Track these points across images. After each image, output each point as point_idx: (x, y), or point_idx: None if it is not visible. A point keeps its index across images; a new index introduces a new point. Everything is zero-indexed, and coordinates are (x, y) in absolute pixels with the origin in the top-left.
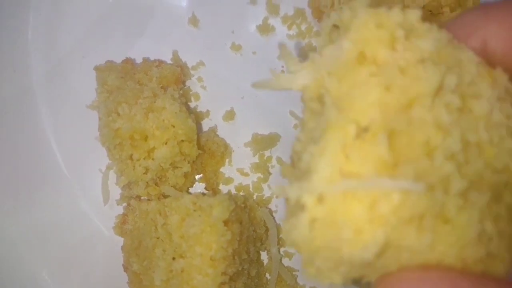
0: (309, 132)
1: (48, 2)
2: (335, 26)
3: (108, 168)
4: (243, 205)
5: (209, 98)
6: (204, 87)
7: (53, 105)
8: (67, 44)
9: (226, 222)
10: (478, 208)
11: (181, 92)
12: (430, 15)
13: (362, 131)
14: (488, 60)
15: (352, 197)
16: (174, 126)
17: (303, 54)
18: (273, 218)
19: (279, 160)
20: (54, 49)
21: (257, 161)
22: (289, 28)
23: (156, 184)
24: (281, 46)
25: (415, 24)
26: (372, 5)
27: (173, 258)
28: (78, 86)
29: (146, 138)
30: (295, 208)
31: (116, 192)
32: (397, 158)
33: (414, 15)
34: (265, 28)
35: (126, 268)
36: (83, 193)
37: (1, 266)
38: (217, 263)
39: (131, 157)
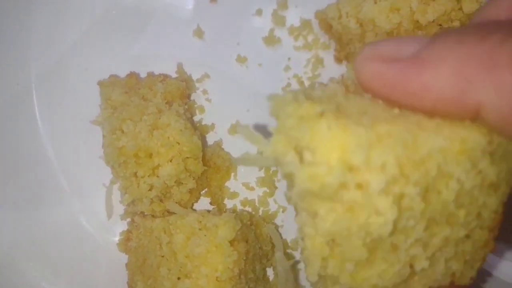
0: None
1: (50, 14)
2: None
3: (112, 182)
4: (249, 223)
5: (214, 111)
6: (209, 100)
7: (54, 119)
8: (70, 57)
9: (232, 242)
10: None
11: (186, 107)
12: (440, 29)
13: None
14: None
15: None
16: (179, 143)
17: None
18: (279, 234)
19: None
20: (56, 60)
21: (263, 175)
22: (296, 39)
23: (161, 201)
24: (238, 125)
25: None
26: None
27: (178, 278)
28: (80, 99)
29: (150, 156)
30: None
31: (119, 207)
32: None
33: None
34: (271, 40)
35: (130, 286)
36: (85, 208)
37: (1, 281)
38: (224, 284)
39: (135, 175)
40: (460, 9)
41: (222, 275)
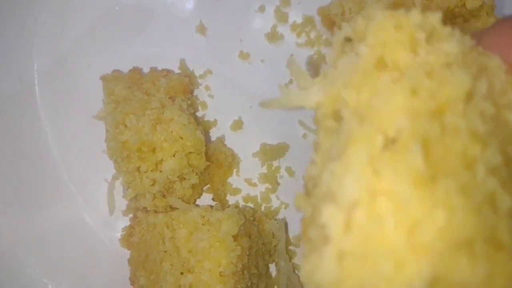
0: (326, 153)
1: (52, 11)
2: (348, 40)
3: (114, 178)
4: (251, 218)
5: (216, 107)
6: (211, 96)
7: (57, 114)
8: (72, 54)
9: (235, 237)
10: None
11: (189, 102)
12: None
13: (391, 142)
14: None
15: (387, 221)
16: (182, 138)
17: (313, 65)
18: (284, 229)
19: (288, 170)
20: (59, 57)
21: (265, 171)
22: (298, 36)
23: (163, 196)
24: (290, 59)
25: (436, 26)
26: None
27: (181, 273)
28: (83, 94)
29: (154, 150)
30: (317, 241)
31: (121, 202)
32: (434, 170)
33: (435, 17)
34: (273, 36)
35: (133, 281)
36: (86, 204)
37: (3, 277)
38: (227, 279)
39: (138, 169)
40: (464, 5)
41: (226, 270)
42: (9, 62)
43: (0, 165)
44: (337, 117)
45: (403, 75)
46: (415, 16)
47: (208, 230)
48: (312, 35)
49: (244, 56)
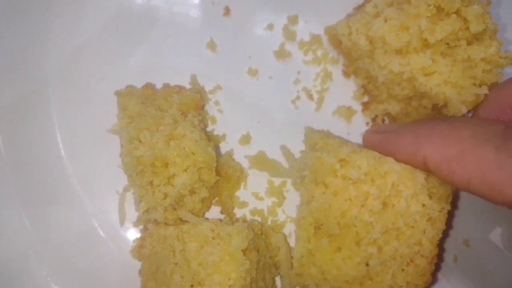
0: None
1: (66, 27)
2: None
3: (125, 190)
4: (259, 232)
5: (225, 122)
6: (221, 111)
7: (70, 126)
8: (85, 67)
9: (244, 251)
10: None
11: (200, 117)
12: (447, 47)
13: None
14: (429, 170)
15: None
16: (194, 154)
17: None
18: (287, 243)
19: (294, 184)
20: (72, 70)
21: (272, 185)
22: (305, 53)
23: (174, 209)
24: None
25: (345, 157)
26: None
27: (192, 286)
28: (95, 107)
29: (167, 165)
30: None
31: (131, 214)
32: (340, 245)
33: (344, 151)
34: (281, 54)
35: None
36: (97, 214)
37: (14, 282)
38: None
39: (151, 183)
40: (467, 29)
41: (235, 284)
42: (23, 74)
43: (15, 175)
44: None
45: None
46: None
47: (218, 244)
48: (319, 52)
49: (252, 72)
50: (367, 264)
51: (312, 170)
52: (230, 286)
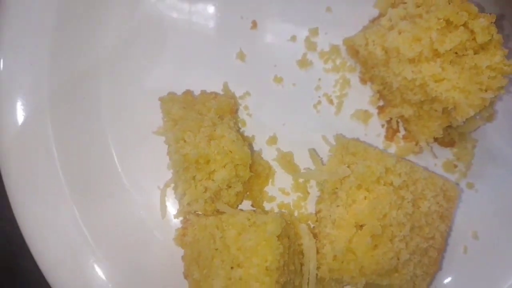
0: (327, 208)
1: (114, 41)
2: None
3: (166, 185)
4: (289, 222)
5: (254, 125)
6: (250, 115)
7: (119, 129)
8: (130, 75)
9: (278, 237)
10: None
11: (234, 121)
12: (456, 56)
13: (359, 228)
14: None
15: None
16: (232, 152)
17: None
18: (311, 233)
19: (317, 183)
20: (120, 81)
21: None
22: (325, 62)
23: (212, 202)
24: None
25: (391, 167)
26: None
27: (231, 268)
28: (138, 112)
29: (208, 162)
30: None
31: (171, 207)
32: (376, 243)
33: (391, 161)
34: (304, 63)
35: (186, 275)
36: (144, 207)
37: (65, 271)
38: (272, 273)
39: (194, 178)
40: (474, 39)
41: (271, 265)
42: (78, 88)
43: (72, 174)
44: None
45: (370, 196)
46: (379, 167)
47: (255, 231)
48: (338, 61)
49: (278, 80)
50: (398, 258)
51: (359, 176)
52: (266, 267)
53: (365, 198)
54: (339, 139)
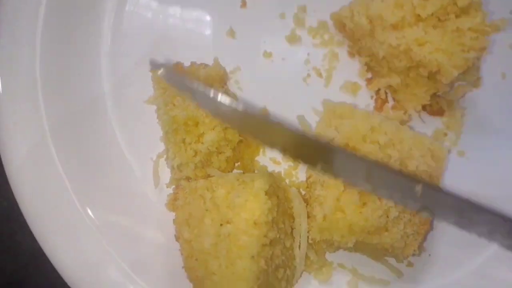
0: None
1: (114, 25)
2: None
3: (159, 156)
4: (279, 185)
5: (245, 98)
6: (240, 89)
7: (119, 103)
8: (131, 55)
9: (266, 193)
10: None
11: (223, 90)
12: (438, 21)
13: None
14: None
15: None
16: None
17: None
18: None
19: None
20: (120, 61)
21: None
22: (314, 37)
23: (202, 167)
24: None
25: (376, 126)
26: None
27: (221, 225)
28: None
29: (197, 125)
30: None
31: (166, 178)
32: (364, 201)
33: (376, 120)
34: (292, 38)
35: (178, 237)
36: (142, 176)
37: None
38: (260, 226)
39: (184, 141)
40: (455, 3)
41: (259, 219)
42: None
43: (79, 149)
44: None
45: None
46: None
47: (243, 188)
48: (326, 36)
49: (267, 55)
50: (387, 216)
51: (345, 135)
52: (255, 221)
53: None
54: (327, 104)
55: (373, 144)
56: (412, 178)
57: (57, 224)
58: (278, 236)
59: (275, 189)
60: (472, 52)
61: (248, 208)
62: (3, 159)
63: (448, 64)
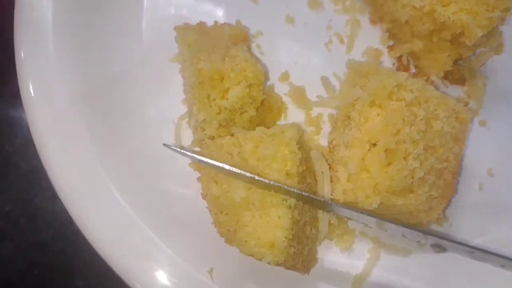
0: (339, 135)
1: None
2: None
3: (181, 118)
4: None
5: (266, 62)
6: (262, 53)
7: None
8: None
9: (297, 143)
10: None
11: (247, 47)
12: None
13: (372, 146)
14: None
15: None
16: (245, 70)
17: None
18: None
19: (329, 117)
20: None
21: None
22: (335, 4)
23: (226, 126)
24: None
25: (403, 82)
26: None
27: None
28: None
29: (222, 79)
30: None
31: (188, 140)
32: (390, 160)
33: (402, 76)
34: (314, 4)
35: (204, 195)
36: (167, 136)
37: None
38: (292, 176)
39: (208, 97)
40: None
41: (291, 169)
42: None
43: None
44: (347, 116)
45: (383, 112)
46: (392, 79)
47: (273, 139)
48: (348, 3)
49: (289, 20)
50: (412, 177)
51: (371, 92)
52: (287, 171)
53: (378, 115)
54: (351, 63)
55: (399, 101)
56: (418, 231)
57: (82, 188)
58: (307, 189)
59: (302, 143)
60: (496, 11)
61: (279, 158)
62: (29, 123)
63: (473, 24)
